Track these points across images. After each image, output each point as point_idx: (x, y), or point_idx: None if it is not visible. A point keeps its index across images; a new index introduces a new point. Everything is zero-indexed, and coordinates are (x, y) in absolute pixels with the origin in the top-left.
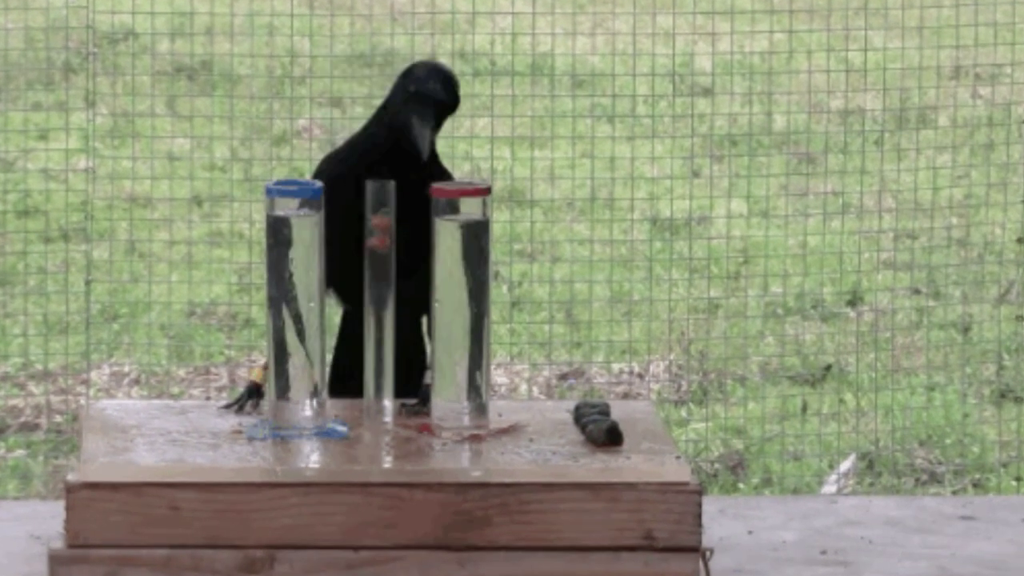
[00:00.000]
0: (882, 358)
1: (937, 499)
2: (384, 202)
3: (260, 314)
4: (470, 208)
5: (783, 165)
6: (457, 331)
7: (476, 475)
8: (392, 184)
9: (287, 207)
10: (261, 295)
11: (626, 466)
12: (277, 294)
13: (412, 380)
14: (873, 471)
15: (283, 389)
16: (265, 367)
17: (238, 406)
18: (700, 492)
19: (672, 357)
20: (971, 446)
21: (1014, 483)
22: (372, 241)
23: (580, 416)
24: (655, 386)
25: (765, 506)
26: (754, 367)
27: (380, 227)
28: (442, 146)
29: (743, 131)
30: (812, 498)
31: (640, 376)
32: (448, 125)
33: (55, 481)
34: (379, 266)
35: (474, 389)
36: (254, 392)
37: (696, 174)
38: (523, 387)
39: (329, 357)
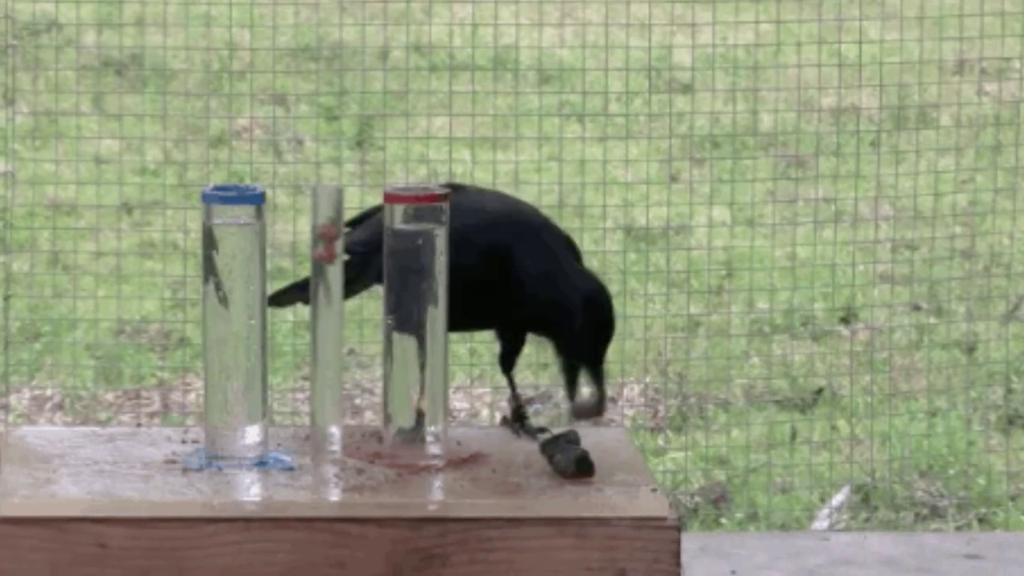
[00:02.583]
0: (879, 381)
1: (939, 536)
2: (331, 209)
3: (195, 333)
4: (426, 216)
5: (770, 169)
6: (411, 351)
7: (433, 509)
8: (341, 190)
9: (225, 215)
10: (196, 312)
11: (597, 499)
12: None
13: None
14: (869, 505)
15: (221, 414)
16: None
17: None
18: (679, 528)
19: (648, 380)
20: (976, 477)
21: (1023, 518)
22: (318, 251)
23: (547, 445)
24: (629, 411)
25: (750, 543)
26: (738, 391)
27: (326, 236)
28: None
29: (726, 131)
30: (802, 535)
31: (613, 400)
32: (403, 125)
33: None
34: (324, 280)
35: (431, 415)
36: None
37: (674, 179)
38: (485, 412)
39: (272, 379)
